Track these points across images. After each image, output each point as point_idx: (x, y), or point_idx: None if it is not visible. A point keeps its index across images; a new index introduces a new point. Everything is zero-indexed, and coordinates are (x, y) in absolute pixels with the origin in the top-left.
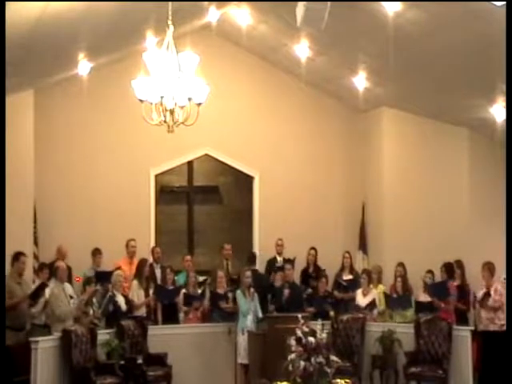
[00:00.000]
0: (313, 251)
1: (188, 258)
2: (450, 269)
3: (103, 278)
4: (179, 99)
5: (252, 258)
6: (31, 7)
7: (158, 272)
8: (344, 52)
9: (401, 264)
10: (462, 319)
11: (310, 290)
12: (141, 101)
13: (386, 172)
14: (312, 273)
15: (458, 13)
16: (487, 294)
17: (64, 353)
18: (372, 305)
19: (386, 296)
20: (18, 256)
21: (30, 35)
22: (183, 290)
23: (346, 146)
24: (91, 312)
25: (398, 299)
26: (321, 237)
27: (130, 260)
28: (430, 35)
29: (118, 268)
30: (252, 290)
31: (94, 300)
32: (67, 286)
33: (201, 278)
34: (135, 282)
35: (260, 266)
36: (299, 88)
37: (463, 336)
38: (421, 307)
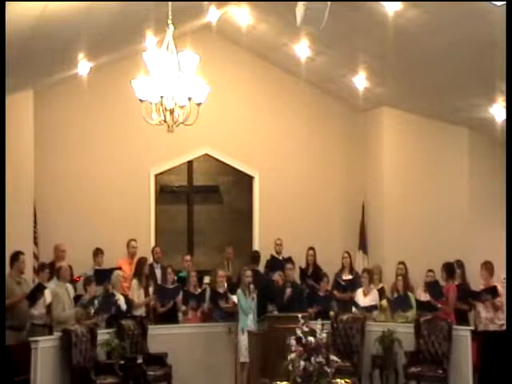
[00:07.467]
0: (311, 251)
1: (188, 258)
2: (450, 269)
3: (103, 276)
4: (179, 99)
5: (256, 258)
6: (31, 7)
7: (158, 272)
8: (344, 52)
9: (402, 263)
10: (462, 319)
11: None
12: (141, 101)
13: (385, 172)
14: (312, 273)
15: (458, 12)
16: (485, 291)
17: (64, 353)
18: (373, 305)
19: (382, 293)
20: (17, 255)
21: (30, 35)
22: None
23: (345, 145)
24: (92, 312)
25: (398, 300)
26: (321, 236)
27: (131, 260)
28: (430, 35)
29: (118, 268)
30: (252, 288)
31: (95, 301)
32: (69, 286)
33: (206, 280)
34: (135, 282)
35: (260, 266)
36: (299, 87)
37: (463, 336)
38: (421, 306)
